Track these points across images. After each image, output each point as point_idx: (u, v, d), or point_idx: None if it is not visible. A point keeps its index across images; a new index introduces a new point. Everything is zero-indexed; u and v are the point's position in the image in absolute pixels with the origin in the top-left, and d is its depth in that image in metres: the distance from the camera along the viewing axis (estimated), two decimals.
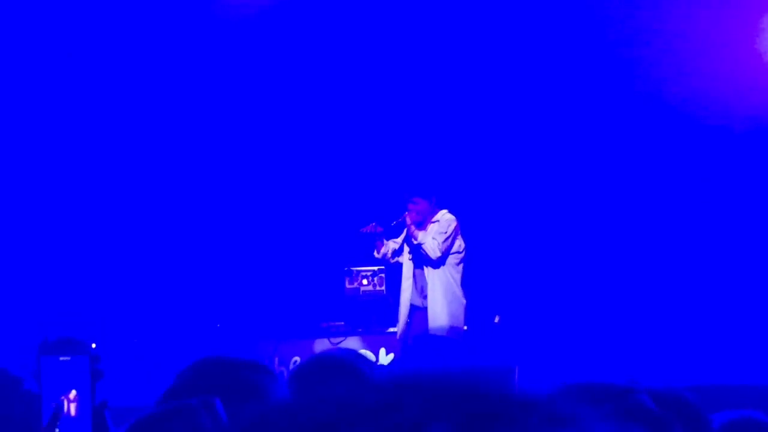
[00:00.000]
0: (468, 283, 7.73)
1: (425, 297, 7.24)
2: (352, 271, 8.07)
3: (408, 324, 7.32)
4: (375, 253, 7.49)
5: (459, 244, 7.34)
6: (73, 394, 1.62)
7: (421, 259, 7.29)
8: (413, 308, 7.32)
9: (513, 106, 8.54)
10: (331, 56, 8.51)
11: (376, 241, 7.42)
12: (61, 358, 1.63)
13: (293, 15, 8.32)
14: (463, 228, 7.46)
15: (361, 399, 0.67)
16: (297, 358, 7.92)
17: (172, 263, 8.82)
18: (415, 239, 7.24)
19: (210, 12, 8.17)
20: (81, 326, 8.13)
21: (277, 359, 7.97)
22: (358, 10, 8.31)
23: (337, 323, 8.12)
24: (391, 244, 7.45)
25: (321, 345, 7.83)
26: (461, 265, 7.35)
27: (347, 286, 8.11)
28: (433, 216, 7.32)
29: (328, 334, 7.98)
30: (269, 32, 8.39)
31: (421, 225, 7.28)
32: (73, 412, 1.62)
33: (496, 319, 8.11)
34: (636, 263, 8.28)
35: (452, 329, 7.22)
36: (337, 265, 8.30)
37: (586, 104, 8.42)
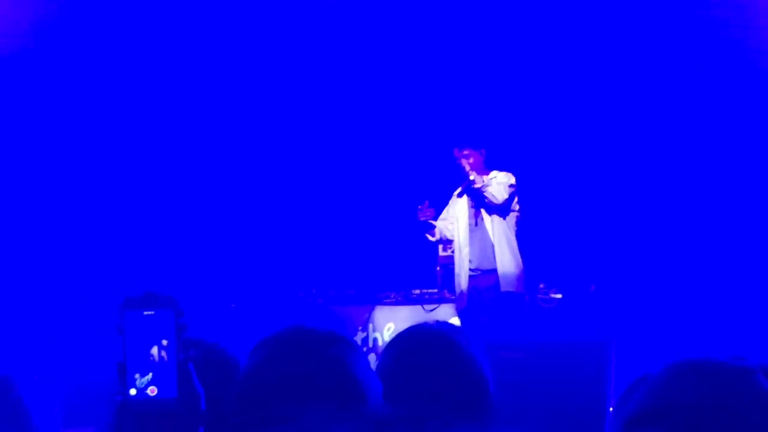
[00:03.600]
0: (565, 248, 7.63)
1: (493, 258, 7.14)
2: (446, 239, 8.04)
3: (474, 290, 7.22)
4: (430, 238, 7.45)
5: (515, 202, 7.27)
6: (155, 350, 1.62)
7: (482, 206, 7.16)
8: (479, 273, 7.23)
9: (578, 71, 8.41)
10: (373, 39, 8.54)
11: (428, 228, 7.37)
12: (145, 313, 1.63)
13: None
14: (569, 193, 7.35)
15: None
16: (391, 324, 7.95)
17: (273, 227, 8.94)
18: (476, 184, 7.11)
19: (212, 12, 8.17)
20: (173, 286, 8.30)
21: (371, 325, 8.01)
22: None
23: (430, 291, 8.13)
24: (441, 224, 7.38)
25: (414, 312, 7.84)
26: (516, 227, 7.28)
27: (440, 254, 8.10)
28: (486, 174, 7.20)
29: (421, 301, 7.99)
30: (303, 18, 8.41)
31: (471, 177, 7.15)
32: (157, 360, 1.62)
33: (593, 288, 8.00)
34: (744, 236, 8.08)
35: (522, 287, 7.16)
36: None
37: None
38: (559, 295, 7.73)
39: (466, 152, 7.19)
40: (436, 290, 8.11)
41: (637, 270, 8.23)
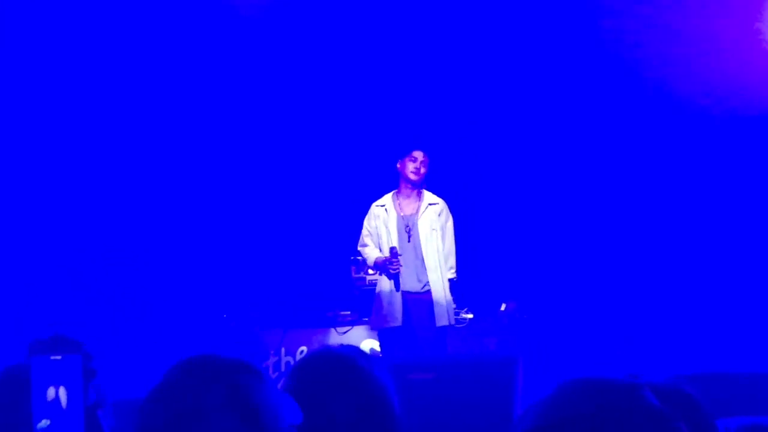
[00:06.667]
0: (476, 268, 7.67)
1: (426, 283, 6.88)
2: (359, 260, 8.04)
3: (410, 312, 6.95)
4: (371, 273, 7.47)
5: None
6: (63, 392, 1.58)
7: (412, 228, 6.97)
8: (410, 295, 6.92)
9: (528, 91, 8.51)
10: (340, 53, 8.52)
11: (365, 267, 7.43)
12: (52, 357, 1.58)
13: (297, 10, 8.31)
14: (478, 212, 7.30)
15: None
16: (303, 348, 7.92)
17: (178, 254, 8.83)
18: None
19: (210, 11, 8.14)
20: (83, 320, 8.14)
21: (283, 349, 7.97)
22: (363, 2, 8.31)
23: (343, 312, 8.11)
24: (374, 252, 7.12)
25: (327, 334, 7.83)
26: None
27: (353, 275, 8.09)
28: (420, 192, 7.04)
29: (334, 323, 7.98)
30: (280, 24, 8.38)
31: (418, 184, 6.99)
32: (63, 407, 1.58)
33: (503, 307, 8.09)
34: (648, 255, 8.24)
35: (455, 314, 7.13)
36: (344, 254, 8.29)
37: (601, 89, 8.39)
38: (470, 315, 7.79)
39: (426, 159, 6.94)
40: (349, 312, 8.10)
41: (547, 288, 8.34)
